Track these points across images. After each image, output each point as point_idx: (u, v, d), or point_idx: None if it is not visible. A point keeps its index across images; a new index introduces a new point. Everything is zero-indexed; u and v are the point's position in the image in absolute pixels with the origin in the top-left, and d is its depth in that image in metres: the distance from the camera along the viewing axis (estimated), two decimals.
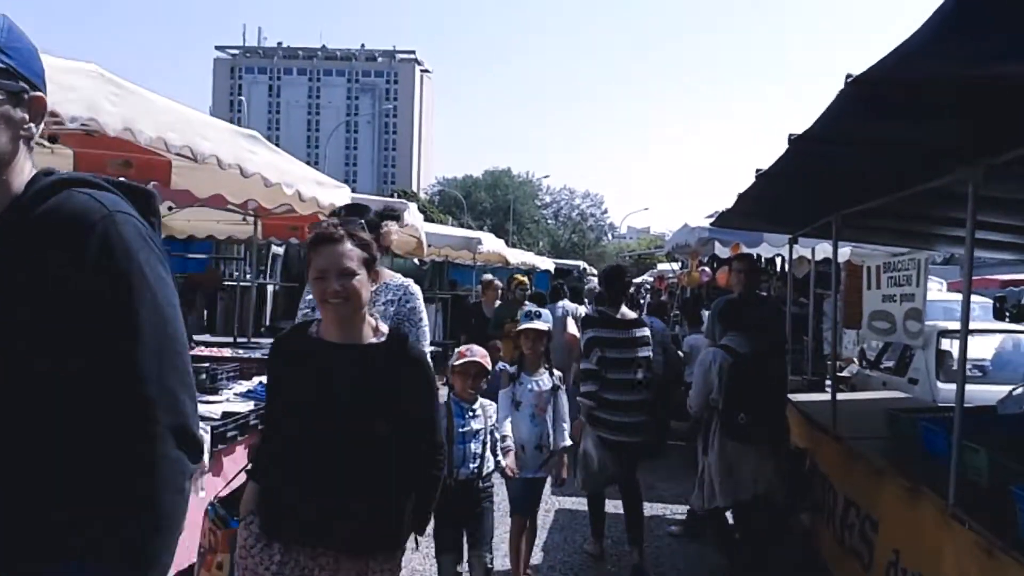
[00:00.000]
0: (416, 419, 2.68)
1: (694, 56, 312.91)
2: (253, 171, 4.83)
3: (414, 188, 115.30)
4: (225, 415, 4.65)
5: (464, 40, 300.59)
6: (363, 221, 3.23)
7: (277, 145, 6.16)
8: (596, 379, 5.60)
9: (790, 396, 7.01)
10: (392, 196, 74.51)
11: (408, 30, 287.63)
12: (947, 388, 7.80)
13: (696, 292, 13.10)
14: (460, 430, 4.38)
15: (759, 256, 11.01)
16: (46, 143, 6.14)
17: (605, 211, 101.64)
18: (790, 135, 3.71)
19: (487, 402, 4.61)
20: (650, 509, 7.15)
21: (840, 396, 6.77)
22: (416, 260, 19.91)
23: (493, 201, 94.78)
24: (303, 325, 2.82)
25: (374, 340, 2.68)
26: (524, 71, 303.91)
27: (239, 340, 8.92)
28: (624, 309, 5.91)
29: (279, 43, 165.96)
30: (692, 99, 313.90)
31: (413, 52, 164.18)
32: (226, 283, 11.67)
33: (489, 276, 10.78)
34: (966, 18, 2.13)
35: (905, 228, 6.43)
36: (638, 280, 35.67)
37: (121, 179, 1.61)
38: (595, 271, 44.42)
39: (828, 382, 9.24)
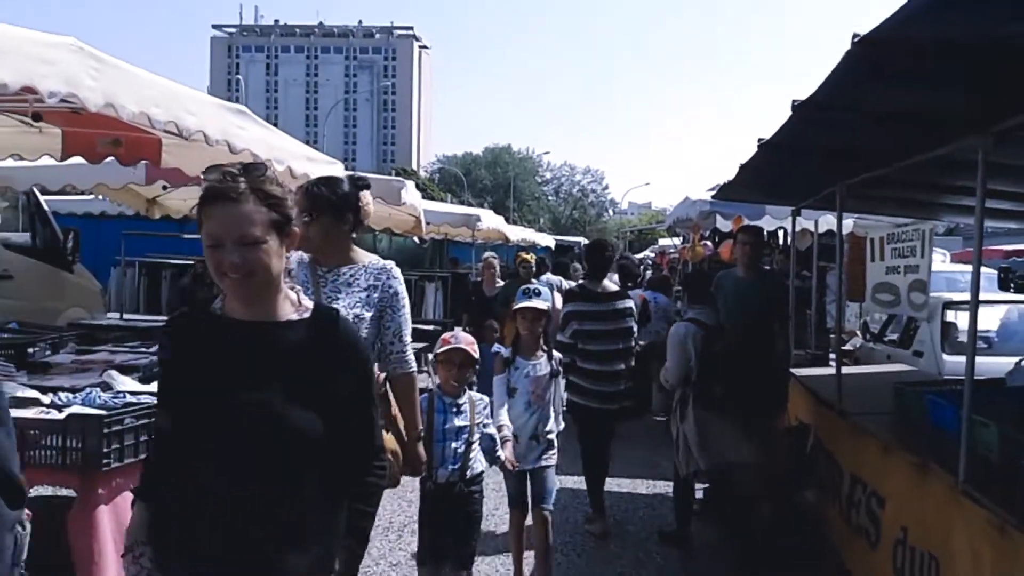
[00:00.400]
0: (347, 415, 2.12)
1: (696, 27, 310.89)
2: (242, 147, 4.68)
3: (414, 166, 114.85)
4: None
5: (463, 15, 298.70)
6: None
7: (275, 124, 6.03)
8: (571, 351, 5.80)
9: (793, 370, 6.94)
10: (391, 174, 74.41)
11: (406, 6, 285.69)
12: (952, 360, 7.71)
13: (698, 267, 12.99)
14: (442, 427, 3.96)
15: (761, 229, 10.91)
16: (32, 123, 6.05)
17: (606, 187, 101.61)
18: (793, 101, 3.58)
19: (477, 396, 4.17)
20: (658, 487, 7.08)
21: (844, 370, 6.68)
22: (416, 239, 19.85)
23: (493, 178, 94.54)
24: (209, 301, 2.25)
25: (294, 316, 2.13)
26: (524, 46, 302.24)
27: None
28: (606, 282, 6.14)
29: (276, 21, 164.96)
30: (695, 70, 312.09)
31: (411, 28, 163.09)
32: None
33: (489, 254, 10.57)
34: None
35: (910, 198, 6.31)
36: (639, 256, 35.59)
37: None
38: None
39: (832, 356, 9.21)
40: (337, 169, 6.10)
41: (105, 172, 7.32)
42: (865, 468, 4.79)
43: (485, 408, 4.19)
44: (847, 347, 10.72)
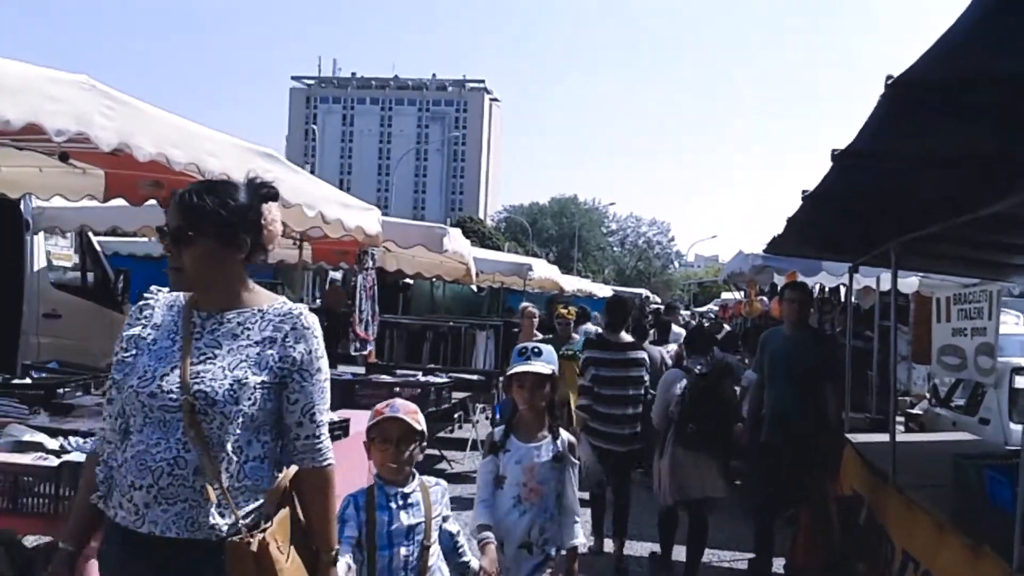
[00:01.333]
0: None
1: (766, 78, 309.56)
2: None
3: (481, 215, 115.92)
4: None
5: (533, 69, 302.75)
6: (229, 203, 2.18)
7: (349, 173, 6.00)
8: (589, 394, 6.36)
9: (849, 436, 6.56)
10: (458, 223, 75.46)
11: (479, 59, 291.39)
12: (1021, 429, 7.23)
13: (758, 323, 12.60)
14: (386, 529, 2.90)
15: (822, 286, 10.51)
16: (76, 164, 6.14)
17: (672, 239, 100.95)
18: (833, 151, 3.34)
19: (432, 481, 3.10)
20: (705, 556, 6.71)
21: (903, 438, 6.27)
22: (474, 287, 19.86)
23: (559, 228, 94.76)
24: None
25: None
26: (591, 98, 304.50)
27: None
28: (623, 334, 6.65)
29: (353, 73, 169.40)
30: (764, 123, 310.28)
31: (483, 81, 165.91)
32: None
33: (527, 304, 10.22)
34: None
35: (973, 256, 5.93)
36: (702, 309, 35.01)
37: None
38: (659, 299, 43.89)
39: (900, 423, 8.74)
40: (373, 215, 6.03)
41: (151, 214, 7.41)
42: (917, 545, 4.40)
43: (444, 496, 3.12)
44: (915, 411, 10.20)
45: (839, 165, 3.47)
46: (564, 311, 8.43)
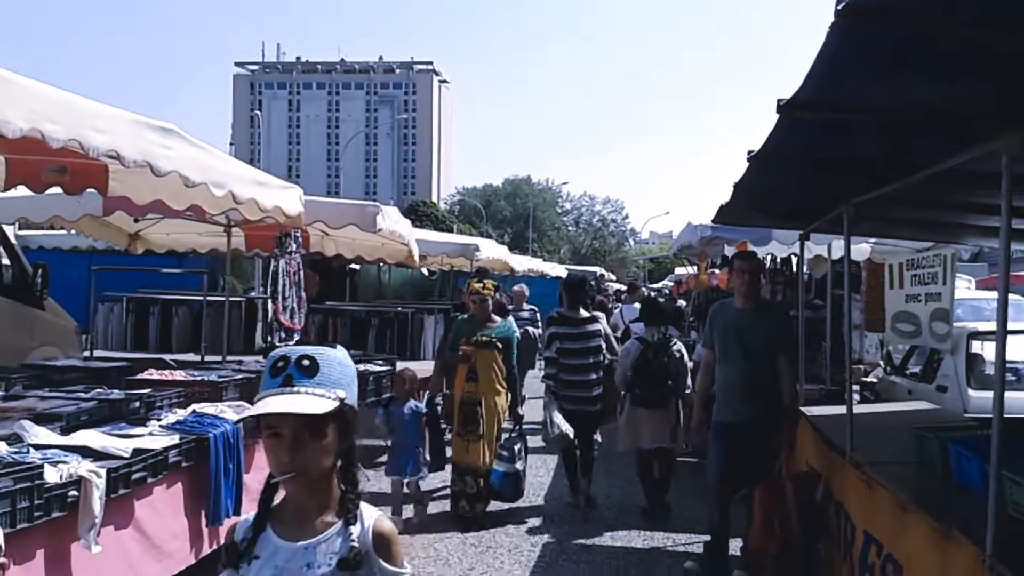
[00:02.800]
0: None
1: (719, 51, 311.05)
2: (168, 169, 4.18)
3: (434, 198, 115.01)
4: (136, 452, 4.04)
5: (482, 49, 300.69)
6: None
7: (298, 160, 5.57)
8: (554, 364, 7.43)
9: (803, 409, 6.34)
10: (411, 207, 74.63)
11: (426, 41, 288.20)
12: (979, 396, 7.08)
13: (710, 296, 12.40)
14: None
15: (773, 256, 10.29)
16: None
17: (626, 216, 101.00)
18: (778, 101, 3.02)
19: None
20: (659, 539, 6.57)
21: (860, 409, 6.05)
22: (425, 271, 19.37)
23: (513, 209, 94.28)
24: None
25: None
26: (542, 78, 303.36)
27: (207, 360, 8.30)
28: (580, 310, 7.53)
29: (298, 58, 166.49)
30: (715, 99, 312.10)
31: (431, 63, 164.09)
32: (211, 297, 11.06)
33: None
34: None
35: (928, 218, 5.72)
36: (657, 285, 34.93)
37: None
38: (614, 277, 43.82)
39: (856, 392, 8.56)
40: (294, 194, 5.61)
41: (63, 204, 6.90)
42: (880, 526, 4.16)
43: None
44: (869, 379, 10.06)
45: (787, 119, 3.16)
46: (478, 285, 6.93)
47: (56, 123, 3.48)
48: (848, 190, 4.65)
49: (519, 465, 7.03)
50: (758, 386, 5.63)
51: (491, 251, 12.88)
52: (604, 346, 7.64)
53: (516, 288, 12.44)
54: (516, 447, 7.03)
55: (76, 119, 3.61)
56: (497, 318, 7.10)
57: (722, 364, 5.83)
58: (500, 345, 6.90)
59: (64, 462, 3.64)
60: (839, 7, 2.03)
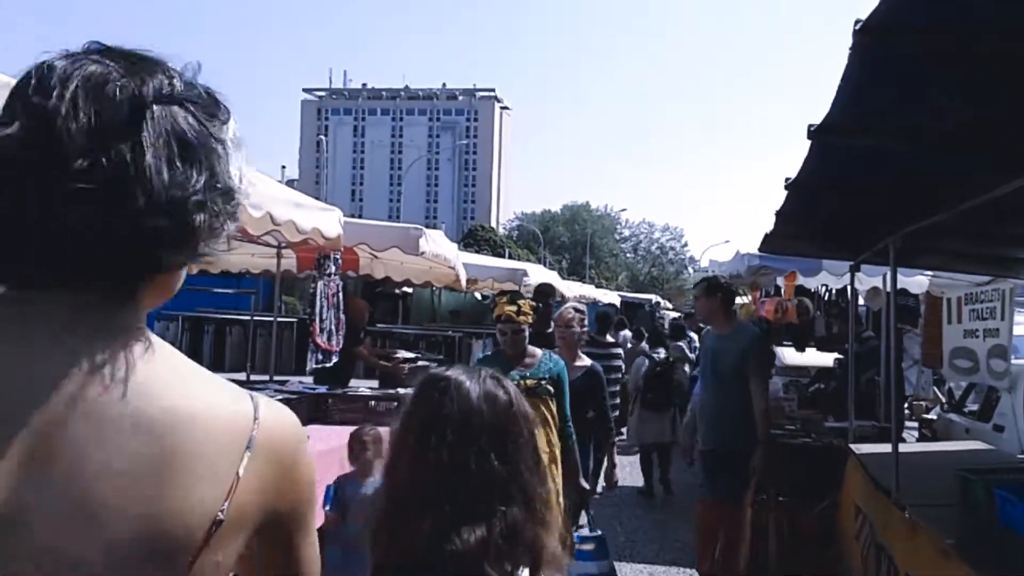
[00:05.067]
0: None
1: (779, 80, 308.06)
2: None
3: (492, 223, 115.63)
4: None
5: (543, 76, 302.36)
6: None
7: (361, 184, 5.63)
8: None
9: (853, 446, 6.12)
10: (470, 232, 75.15)
11: (489, 68, 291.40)
12: None
13: (763, 327, 12.12)
14: None
15: (827, 288, 10.05)
16: None
17: (685, 244, 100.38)
18: (809, 126, 2.91)
19: None
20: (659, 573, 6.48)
21: (910, 448, 5.82)
22: (478, 295, 19.42)
23: (571, 235, 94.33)
24: None
25: None
26: (602, 105, 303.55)
27: (252, 379, 8.39)
28: (607, 336, 8.55)
29: (363, 84, 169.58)
30: (777, 126, 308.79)
31: (493, 90, 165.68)
32: (259, 317, 11.23)
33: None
34: None
35: (984, 251, 5.48)
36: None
37: None
38: (671, 305, 43.27)
39: (913, 429, 8.26)
40: (332, 216, 5.63)
41: None
42: (921, 571, 3.95)
43: None
44: (930, 416, 9.71)
45: (818, 144, 3.04)
46: (511, 309, 4.77)
47: None
48: (894, 220, 4.48)
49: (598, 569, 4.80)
50: (728, 412, 5.58)
51: (540, 276, 12.81)
52: (623, 366, 8.95)
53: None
54: (591, 542, 4.80)
55: None
56: (536, 351, 4.93)
57: (701, 391, 5.87)
58: (552, 389, 4.73)
59: None
60: (856, 27, 1.94)
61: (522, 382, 4.52)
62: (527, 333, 4.87)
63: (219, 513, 0.92)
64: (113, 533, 0.87)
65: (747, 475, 5.48)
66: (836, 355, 9.70)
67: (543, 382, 4.73)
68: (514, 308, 4.79)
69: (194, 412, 0.93)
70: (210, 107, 1.01)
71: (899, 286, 8.33)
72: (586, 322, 6.03)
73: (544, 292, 8.00)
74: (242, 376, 9.27)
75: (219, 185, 0.98)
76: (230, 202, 1.01)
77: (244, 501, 0.95)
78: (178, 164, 0.92)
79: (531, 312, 4.90)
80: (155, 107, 0.93)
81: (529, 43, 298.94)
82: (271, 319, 9.99)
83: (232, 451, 0.96)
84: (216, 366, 11.80)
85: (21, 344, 0.90)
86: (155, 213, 0.90)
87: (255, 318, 10.31)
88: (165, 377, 0.94)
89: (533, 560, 1.39)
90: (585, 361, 5.61)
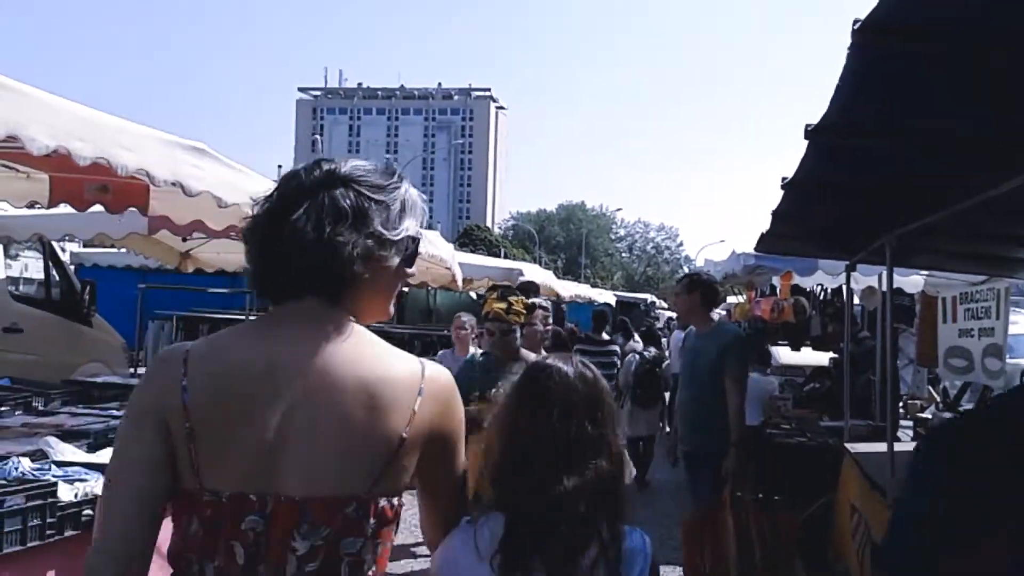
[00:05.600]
0: None
1: (773, 84, 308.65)
2: (199, 189, 4.20)
3: (488, 223, 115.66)
4: None
5: (538, 76, 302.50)
6: None
7: None
8: None
9: (848, 445, 6.13)
10: (465, 232, 75.21)
11: (484, 68, 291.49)
12: None
13: (759, 326, 12.16)
14: None
15: (823, 287, 10.06)
16: (19, 168, 5.77)
17: (680, 244, 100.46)
18: (807, 126, 2.90)
19: None
20: None
21: (903, 447, 5.81)
22: (473, 294, 19.39)
23: (567, 235, 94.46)
24: None
25: None
26: (597, 104, 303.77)
27: None
28: (603, 334, 10.04)
29: (359, 84, 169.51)
30: (773, 125, 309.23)
31: (488, 90, 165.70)
32: (254, 317, 11.18)
33: (461, 314, 7.83)
34: None
35: (980, 251, 5.49)
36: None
37: None
38: (666, 305, 43.35)
39: (908, 428, 8.26)
40: None
41: (108, 222, 7.02)
42: None
43: None
44: (925, 415, 9.74)
45: (815, 144, 3.04)
46: (500, 306, 4.51)
47: (83, 141, 3.51)
48: (890, 220, 4.48)
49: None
50: (705, 413, 5.46)
51: (536, 275, 12.80)
52: (618, 362, 9.76)
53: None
54: None
55: (103, 137, 3.64)
56: (528, 355, 4.46)
57: (679, 391, 5.86)
58: None
59: (83, 480, 3.63)
60: (855, 27, 1.93)
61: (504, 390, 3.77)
62: (518, 335, 4.62)
63: (403, 433, 1.51)
64: (345, 448, 1.47)
65: (722, 477, 5.34)
66: (832, 355, 9.73)
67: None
68: (504, 305, 4.50)
69: (386, 372, 1.53)
70: (376, 184, 1.59)
71: (895, 285, 8.37)
72: (550, 319, 5.79)
73: (526, 290, 7.08)
74: None
75: (370, 233, 1.54)
76: (383, 245, 1.56)
77: (418, 427, 1.54)
78: (330, 224, 1.50)
79: (524, 311, 4.65)
80: (322, 192, 1.54)
81: (525, 43, 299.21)
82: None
83: (410, 396, 1.54)
84: None
85: (286, 334, 1.52)
86: (319, 254, 1.49)
87: (250, 317, 10.25)
88: (366, 350, 1.54)
89: (615, 499, 1.89)
90: None
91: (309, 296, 1.54)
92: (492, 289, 4.66)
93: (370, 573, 1.51)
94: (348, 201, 1.54)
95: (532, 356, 4.34)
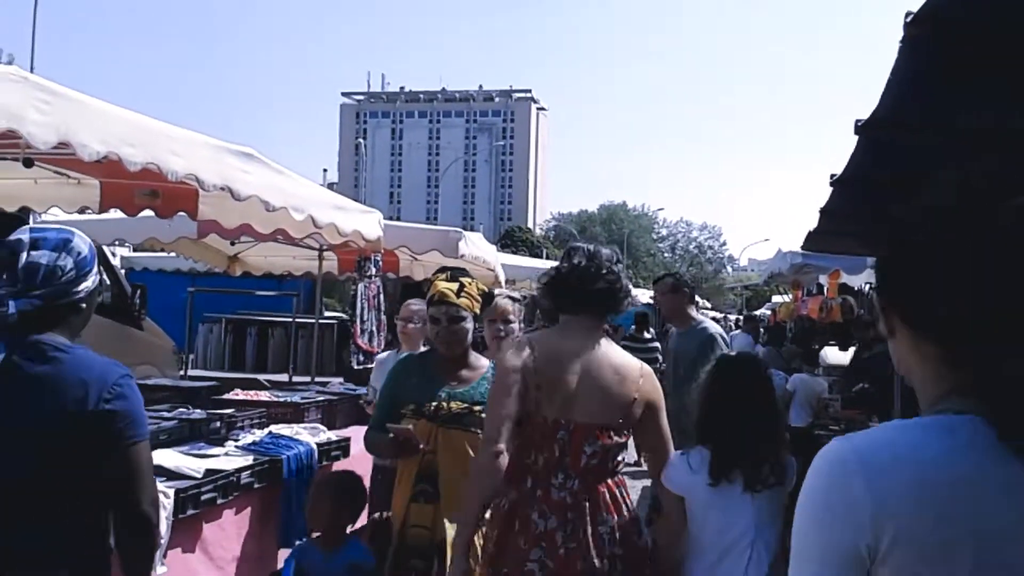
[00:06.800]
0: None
1: (816, 79, 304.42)
2: (248, 193, 4.26)
3: (530, 224, 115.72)
4: (208, 472, 4.09)
5: (579, 77, 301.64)
6: None
7: (399, 187, 5.63)
8: None
9: None
10: (507, 233, 75.28)
11: (525, 69, 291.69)
12: None
13: (806, 326, 11.99)
14: None
15: (871, 285, 9.89)
16: (70, 174, 5.91)
17: (724, 243, 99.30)
18: (856, 121, 2.86)
19: None
20: None
21: None
22: (516, 295, 19.39)
23: (608, 235, 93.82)
24: None
25: None
26: (639, 104, 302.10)
27: (295, 381, 8.45)
28: (644, 333, 11.05)
29: (401, 88, 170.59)
30: (815, 124, 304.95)
31: (529, 91, 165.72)
32: (301, 319, 11.31)
33: (412, 303, 5.47)
34: None
35: None
36: (756, 313, 34.08)
37: None
38: (709, 305, 43.00)
39: None
40: (373, 219, 5.67)
41: (157, 226, 7.16)
42: None
43: None
44: None
45: (866, 140, 2.99)
46: (448, 287, 3.42)
47: (133, 146, 3.58)
48: None
49: None
50: (685, 414, 5.32)
51: None
52: (660, 358, 10.03)
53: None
54: None
55: (153, 142, 3.71)
56: (482, 361, 3.56)
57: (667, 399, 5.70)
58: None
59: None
60: (907, 20, 1.89)
61: (445, 405, 3.31)
62: (470, 327, 3.42)
63: (634, 395, 2.81)
64: (607, 399, 2.76)
65: None
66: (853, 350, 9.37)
67: (479, 411, 3.23)
68: (453, 286, 3.36)
69: (623, 361, 2.84)
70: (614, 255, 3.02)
71: None
72: (522, 314, 4.29)
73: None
74: (284, 378, 9.36)
75: (605, 274, 2.85)
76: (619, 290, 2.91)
77: (641, 393, 2.82)
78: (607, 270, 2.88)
79: (478, 296, 3.46)
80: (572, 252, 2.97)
81: (565, 43, 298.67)
82: (312, 321, 10.07)
83: (635, 375, 2.84)
84: (258, 367, 11.93)
85: (588, 337, 2.81)
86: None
87: (297, 320, 10.39)
88: (612, 348, 2.88)
89: (778, 435, 3.13)
90: None
91: (592, 313, 2.87)
92: (442, 269, 3.55)
93: (619, 461, 2.85)
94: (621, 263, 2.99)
95: (485, 362, 3.51)
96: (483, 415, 3.07)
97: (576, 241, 3.11)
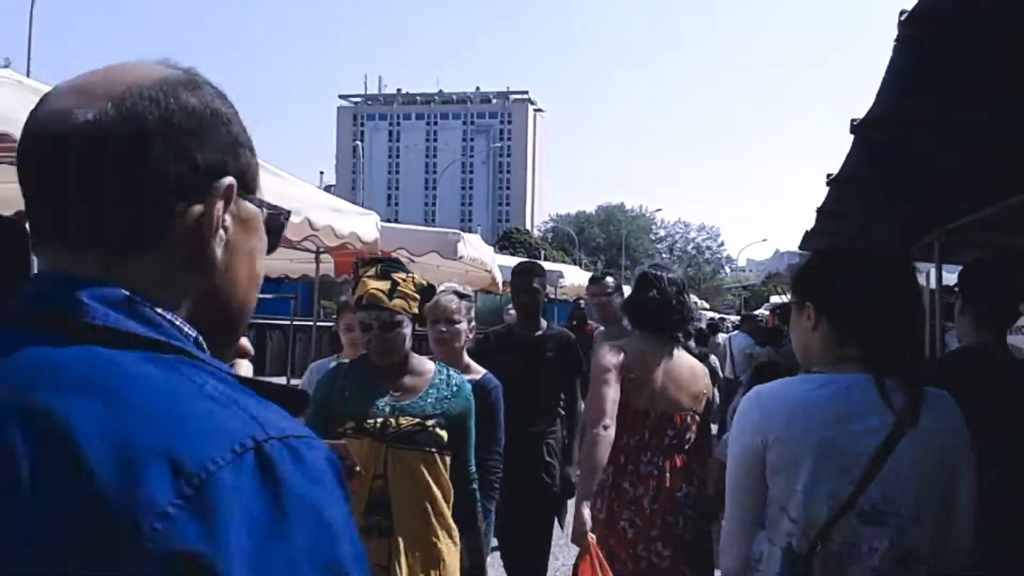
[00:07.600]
0: None
1: (813, 80, 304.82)
2: None
3: (527, 225, 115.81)
4: None
5: (576, 78, 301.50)
6: None
7: (397, 189, 5.64)
8: None
9: None
10: (505, 234, 75.30)
11: (522, 70, 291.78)
12: None
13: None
14: None
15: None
16: None
17: (722, 244, 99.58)
18: (852, 120, 2.86)
19: None
20: None
21: None
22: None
23: (606, 236, 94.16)
24: None
25: None
26: (635, 105, 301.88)
27: (293, 383, 8.44)
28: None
29: (399, 90, 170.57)
30: (813, 124, 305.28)
31: (526, 92, 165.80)
32: (298, 322, 11.33)
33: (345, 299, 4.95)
34: None
35: None
36: (755, 313, 34.05)
37: None
38: (707, 306, 42.99)
39: None
40: (370, 221, 5.67)
41: None
42: None
43: None
44: None
45: (861, 139, 2.99)
46: (378, 287, 2.77)
47: None
48: (938, 215, 4.40)
49: None
50: None
51: (575, 278, 12.78)
52: None
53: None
54: None
55: None
56: (427, 364, 3.02)
57: None
58: (445, 437, 2.83)
59: None
60: (902, 18, 1.89)
61: (393, 421, 2.77)
62: (408, 332, 2.86)
63: (704, 390, 3.43)
64: (685, 391, 3.33)
65: None
66: None
67: (432, 425, 2.80)
68: (384, 285, 2.79)
69: (693, 363, 3.45)
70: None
71: (944, 283, 8.19)
72: (471, 311, 3.71)
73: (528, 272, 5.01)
74: (283, 380, 9.34)
75: (675, 306, 3.44)
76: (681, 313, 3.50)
77: (707, 389, 3.51)
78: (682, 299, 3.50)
79: (416, 294, 2.85)
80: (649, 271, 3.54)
81: (562, 45, 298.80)
82: (310, 323, 10.08)
83: (704, 374, 3.48)
84: (257, 370, 11.92)
85: (665, 345, 3.38)
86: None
87: (294, 322, 10.39)
88: (684, 352, 3.49)
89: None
90: (476, 372, 3.58)
91: (661, 331, 3.39)
92: (369, 263, 2.91)
93: (690, 439, 3.32)
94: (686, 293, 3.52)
95: (430, 366, 2.98)
96: (439, 431, 2.76)
97: (647, 266, 3.56)
